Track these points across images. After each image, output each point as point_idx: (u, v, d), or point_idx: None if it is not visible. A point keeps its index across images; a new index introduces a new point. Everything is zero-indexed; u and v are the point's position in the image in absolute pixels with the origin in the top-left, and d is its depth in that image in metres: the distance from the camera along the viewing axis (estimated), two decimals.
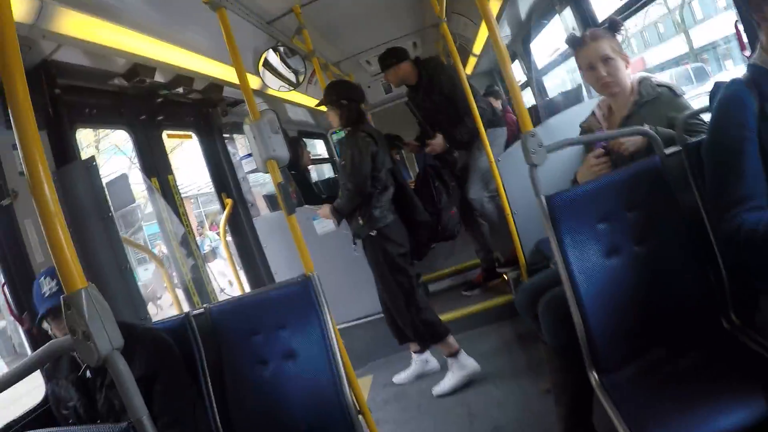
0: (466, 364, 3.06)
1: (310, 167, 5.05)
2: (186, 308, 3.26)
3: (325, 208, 3.23)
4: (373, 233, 3.07)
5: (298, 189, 2.95)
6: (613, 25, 2.04)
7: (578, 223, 1.64)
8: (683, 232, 1.69)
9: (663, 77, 2.25)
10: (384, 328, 3.81)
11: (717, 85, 1.57)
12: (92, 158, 2.45)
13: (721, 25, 14.42)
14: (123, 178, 2.95)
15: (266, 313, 2.03)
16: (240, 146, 4.69)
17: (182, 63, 3.17)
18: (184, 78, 3.32)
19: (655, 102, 1.98)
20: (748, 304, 1.59)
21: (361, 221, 3.09)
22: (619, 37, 2.05)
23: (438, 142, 3.74)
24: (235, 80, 2.11)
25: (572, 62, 2.21)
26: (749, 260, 1.52)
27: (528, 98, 5.54)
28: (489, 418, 2.62)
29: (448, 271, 4.90)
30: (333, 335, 1.95)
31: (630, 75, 2.04)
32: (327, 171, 8.05)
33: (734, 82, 1.49)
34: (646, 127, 1.76)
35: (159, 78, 3.15)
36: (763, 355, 1.47)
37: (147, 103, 3.41)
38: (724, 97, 1.50)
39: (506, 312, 3.68)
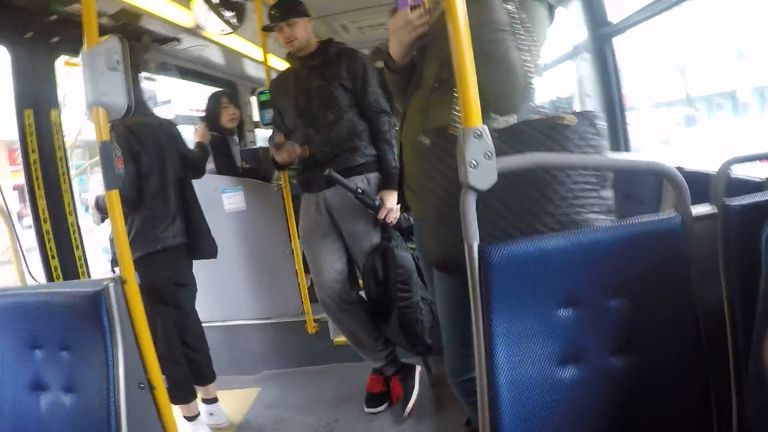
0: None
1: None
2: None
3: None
4: None
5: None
6: None
7: (524, 301, 0.97)
8: (693, 349, 1.04)
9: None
10: (286, 335, 3.21)
11: None
12: None
13: (719, 78, 14.45)
14: None
15: (50, 322, 1.37)
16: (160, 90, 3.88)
17: None
18: None
19: None
20: None
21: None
22: None
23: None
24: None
25: None
26: None
27: None
28: None
29: None
30: (122, 384, 1.28)
31: None
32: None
33: None
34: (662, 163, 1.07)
35: None
36: None
37: (37, 20, 2.72)
38: None
39: None
